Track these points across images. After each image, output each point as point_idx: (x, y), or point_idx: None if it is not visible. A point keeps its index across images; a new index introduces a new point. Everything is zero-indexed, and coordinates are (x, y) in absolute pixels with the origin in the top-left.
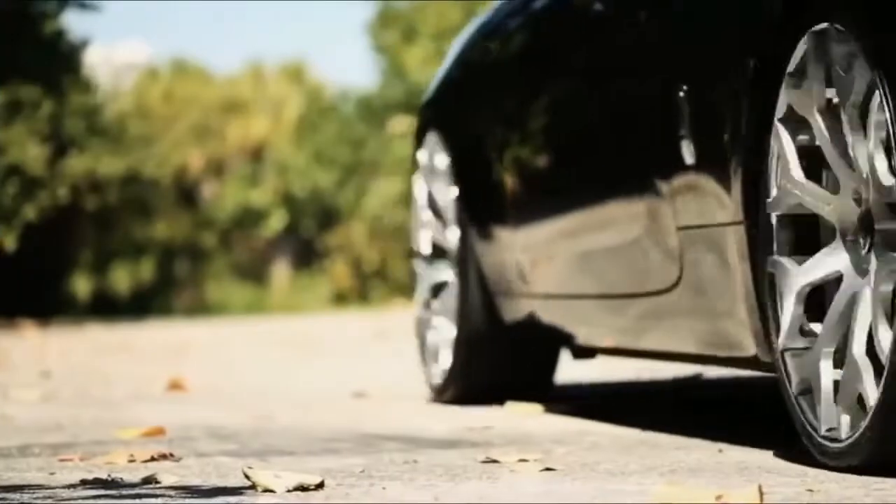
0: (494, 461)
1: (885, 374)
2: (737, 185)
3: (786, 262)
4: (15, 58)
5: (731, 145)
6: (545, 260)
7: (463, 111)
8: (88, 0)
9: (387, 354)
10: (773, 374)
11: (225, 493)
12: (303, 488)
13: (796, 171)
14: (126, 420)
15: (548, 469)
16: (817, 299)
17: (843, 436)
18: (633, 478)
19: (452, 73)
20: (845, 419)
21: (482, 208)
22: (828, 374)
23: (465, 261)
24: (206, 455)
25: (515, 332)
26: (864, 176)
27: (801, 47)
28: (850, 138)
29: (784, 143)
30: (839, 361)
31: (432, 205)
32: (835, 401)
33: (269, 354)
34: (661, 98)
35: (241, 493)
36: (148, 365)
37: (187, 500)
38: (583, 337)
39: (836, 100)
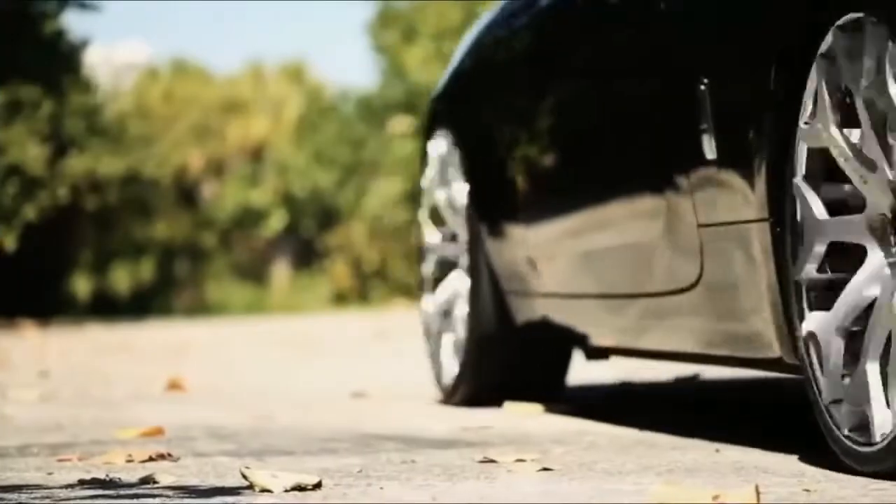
0: (492, 461)
1: None
2: (761, 181)
3: (818, 315)
4: (15, 58)
5: (755, 139)
6: (558, 258)
7: (474, 106)
8: (88, 0)
9: (387, 354)
10: (798, 377)
11: (222, 493)
12: (300, 488)
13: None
14: (125, 420)
15: (545, 469)
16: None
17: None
18: (630, 477)
19: (463, 67)
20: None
21: (493, 205)
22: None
23: (475, 259)
24: (205, 455)
25: (527, 332)
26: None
27: (830, 38)
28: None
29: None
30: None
31: (441, 202)
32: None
33: (268, 354)
34: (680, 91)
35: (238, 493)
36: (148, 365)
37: (185, 500)
38: (596, 337)
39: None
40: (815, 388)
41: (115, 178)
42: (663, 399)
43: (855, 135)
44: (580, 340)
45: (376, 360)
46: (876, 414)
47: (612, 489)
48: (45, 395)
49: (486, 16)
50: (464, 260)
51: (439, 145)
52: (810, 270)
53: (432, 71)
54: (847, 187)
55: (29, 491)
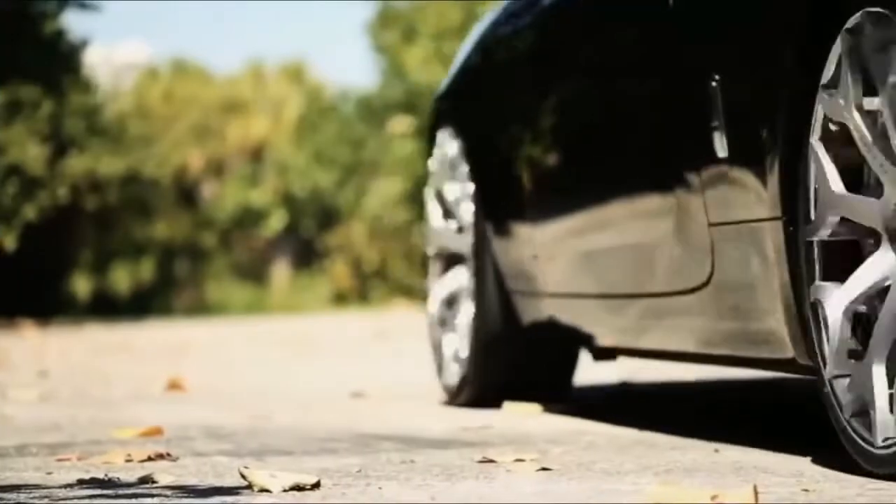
0: (491, 461)
1: None
2: (774, 179)
3: (829, 286)
4: (15, 58)
5: (768, 137)
6: (565, 258)
7: (480, 103)
8: (88, 0)
9: (386, 354)
10: (812, 377)
11: (221, 493)
12: (299, 488)
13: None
14: (124, 420)
15: (544, 469)
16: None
17: None
18: (628, 477)
19: (469, 65)
20: None
21: (499, 204)
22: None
23: (481, 259)
24: (204, 455)
25: (533, 332)
26: None
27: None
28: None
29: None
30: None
31: (446, 200)
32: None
33: (268, 354)
34: (690, 88)
35: (237, 493)
36: (147, 365)
37: (183, 500)
38: (603, 337)
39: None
40: (819, 361)
41: (115, 178)
42: (663, 399)
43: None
44: (587, 341)
45: (376, 360)
46: (879, 417)
47: (611, 489)
48: (45, 394)
49: (491, 13)
50: (469, 259)
51: (444, 144)
52: (823, 235)
53: (432, 71)
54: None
55: (28, 491)
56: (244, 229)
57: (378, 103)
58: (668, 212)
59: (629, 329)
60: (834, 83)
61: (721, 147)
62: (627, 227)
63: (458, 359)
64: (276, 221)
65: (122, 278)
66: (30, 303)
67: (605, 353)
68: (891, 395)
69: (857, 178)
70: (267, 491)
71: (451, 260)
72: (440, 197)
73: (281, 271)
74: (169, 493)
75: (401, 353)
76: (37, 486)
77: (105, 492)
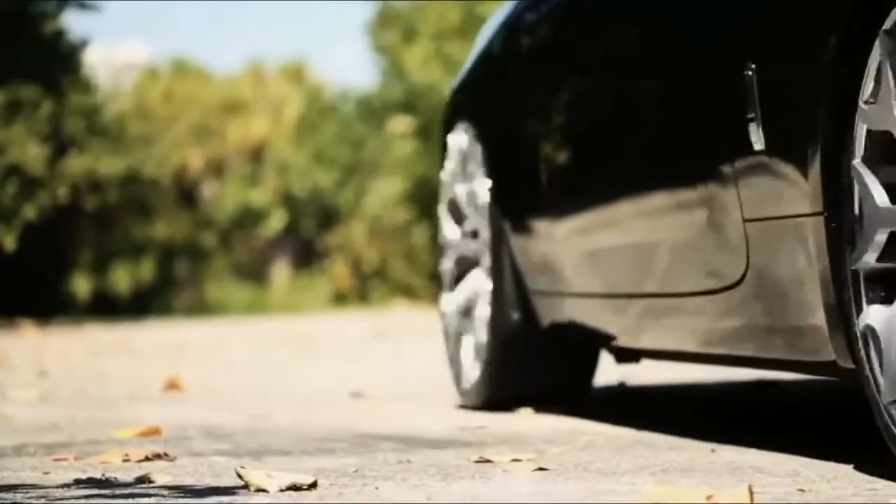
0: (488, 461)
1: None
2: (814, 172)
3: (880, 309)
4: (15, 58)
5: (808, 127)
6: (587, 255)
7: (497, 97)
8: (88, 0)
9: (386, 355)
10: (853, 383)
11: (218, 493)
12: (295, 488)
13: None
14: (123, 420)
15: (540, 469)
16: None
17: None
18: (624, 477)
19: (486, 57)
20: None
21: (518, 201)
22: None
23: (498, 257)
24: (201, 455)
25: (552, 332)
26: None
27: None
28: None
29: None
30: None
31: (460, 206)
32: None
33: (268, 354)
34: (725, 78)
35: (234, 493)
36: (146, 365)
37: (180, 500)
38: (626, 338)
39: None
40: (873, 386)
41: (115, 178)
42: (661, 399)
43: None
44: (609, 342)
45: (375, 360)
46: None
47: (607, 489)
48: (44, 394)
49: (510, 2)
50: (486, 258)
51: (459, 138)
52: (869, 260)
53: (432, 71)
54: None
55: (25, 490)
56: (244, 229)
57: (378, 103)
58: (700, 207)
59: (656, 329)
60: (874, 94)
61: (758, 139)
62: (657, 223)
63: (476, 362)
64: (276, 221)
65: (121, 278)
66: (30, 303)
67: (628, 355)
68: None
69: None
70: (263, 491)
71: (465, 266)
72: (453, 206)
73: (281, 271)
74: (165, 492)
75: (400, 353)
76: (34, 486)
77: (102, 492)
